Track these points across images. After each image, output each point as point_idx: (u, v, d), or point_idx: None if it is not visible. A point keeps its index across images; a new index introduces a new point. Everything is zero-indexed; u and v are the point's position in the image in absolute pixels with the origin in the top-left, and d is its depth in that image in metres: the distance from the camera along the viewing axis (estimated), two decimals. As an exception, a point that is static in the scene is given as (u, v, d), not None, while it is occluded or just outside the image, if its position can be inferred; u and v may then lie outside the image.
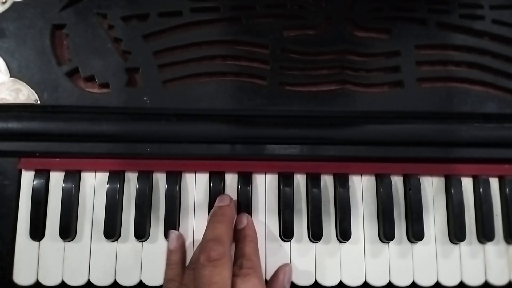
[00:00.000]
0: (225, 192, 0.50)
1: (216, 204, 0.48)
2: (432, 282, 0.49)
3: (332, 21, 0.51)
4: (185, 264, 0.48)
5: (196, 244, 0.49)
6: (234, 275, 0.42)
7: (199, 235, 0.49)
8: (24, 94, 0.49)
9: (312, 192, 0.50)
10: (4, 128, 0.48)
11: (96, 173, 0.50)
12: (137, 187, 0.49)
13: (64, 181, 0.49)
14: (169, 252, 0.48)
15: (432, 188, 0.51)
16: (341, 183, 0.50)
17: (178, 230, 0.49)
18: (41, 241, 0.49)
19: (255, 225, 0.49)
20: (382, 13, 0.52)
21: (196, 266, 0.42)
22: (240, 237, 0.47)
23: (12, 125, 0.48)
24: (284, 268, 0.48)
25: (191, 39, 0.51)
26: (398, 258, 0.50)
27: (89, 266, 0.48)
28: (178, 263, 0.47)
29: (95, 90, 0.50)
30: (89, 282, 0.48)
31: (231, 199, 0.48)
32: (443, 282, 0.49)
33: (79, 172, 0.50)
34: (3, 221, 0.48)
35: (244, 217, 0.48)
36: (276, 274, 0.48)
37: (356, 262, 0.49)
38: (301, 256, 0.49)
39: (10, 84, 0.49)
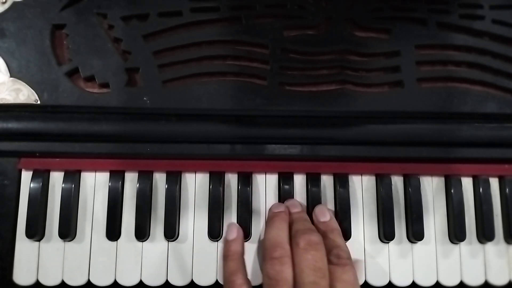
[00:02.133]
0: (225, 192, 0.50)
1: (290, 210, 0.48)
2: (432, 282, 0.49)
3: (332, 21, 0.51)
4: (244, 257, 0.48)
5: (195, 244, 0.49)
6: (331, 263, 0.43)
7: (199, 235, 0.49)
8: (24, 94, 0.49)
9: (312, 192, 0.50)
10: (4, 128, 0.48)
11: (96, 173, 0.50)
12: (137, 187, 0.49)
13: (64, 181, 0.49)
14: (228, 243, 0.47)
15: (432, 188, 0.51)
16: (341, 183, 0.50)
17: (178, 230, 0.49)
18: (41, 241, 0.49)
19: (255, 225, 0.49)
20: (382, 13, 0.52)
21: (297, 253, 0.42)
22: (328, 230, 0.46)
23: (12, 125, 0.48)
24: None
25: (191, 39, 0.51)
26: (398, 258, 0.50)
27: (89, 266, 0.48)
28: (239, 253, 0.47)
29: (95, 90, 0.50)
30: (89, 282, 0.48)
31: (300, 204, 0.49)
32: (443, 282, 0.49)
33: (79, 172, 0.50)
34: (3, 221, 0.48)
35: (326, 211, 0.48)
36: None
37: (356, 262, 0.49)
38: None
39: (10, 84, 0.49)
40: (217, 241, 0.49)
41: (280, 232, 0.45)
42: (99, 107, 0.49)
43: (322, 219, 0.47)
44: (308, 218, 0.48)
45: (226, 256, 0.47)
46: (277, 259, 0.43)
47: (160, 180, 0.50)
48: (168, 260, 0.49)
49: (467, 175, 0.52)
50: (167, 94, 0.49)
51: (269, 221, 0.48)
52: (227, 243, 0.48)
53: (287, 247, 0.44)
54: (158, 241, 0.49)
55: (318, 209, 0.48)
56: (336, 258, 0.43)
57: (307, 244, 0.42)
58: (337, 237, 0.46)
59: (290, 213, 0.48)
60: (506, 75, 0.51)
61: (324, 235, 0.46)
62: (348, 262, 0.43)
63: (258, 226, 0.49)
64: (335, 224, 0.47)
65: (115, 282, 0.48)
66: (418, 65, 0.51)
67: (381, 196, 0.50)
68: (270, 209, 0.49)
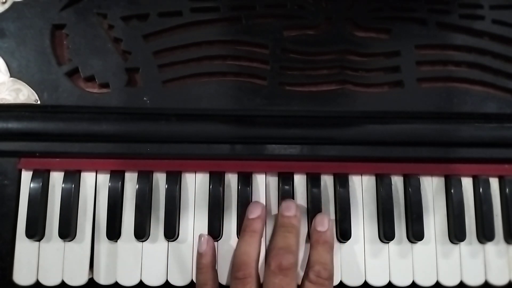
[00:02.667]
0: (225, 192, 0.50)
1: (282, 213, 0.47)
2: (432, 282, 0.49)
3: (332, 21, 0.51)
4: (215, 268, 0.47)
5: (195, 244, 0.49)
6: (309, 281, 0.42)
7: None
8: (24, 94, 0.49)
9: (312, 192, 0.50)
10: (4, 128, 0.48)
11: (96, 173, 0.50)
12: (137, 187, 0.49)
13: (64, 181, 0.49)
14: (199, 256, 0.47)
15: (432, 188, 0.51)
16: (341, 183, 0.50)
17: (178, 230, 0.49)
18: (41, 241, 0.49)
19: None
20: (382, 13, 0.52)
21: (266, 273, 0.42)
22: (320, 241, 0.45)
23: (12, 125, 0.48)
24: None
25: (191, 39, 0.51)
26: (398, 258, 0.50)
27: (89, 266, 0.48)
28: (209, 266, 0.46)
29: (95, 90, 0.50)
30: (89, 282, 0.48)
31: (297, 207, 0.48)
32: (443, 282, 0.49)
33: (79, 172, 0.50)
34: (3, 221, 0.48)
35: (326, 220, 0.46)
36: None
37: (356, 262, 0.49)
38: (301, 256, 0.49)
39: (10, 84, 0.49)
40: (217, 241, 0.49)
41: (248, 249, 0.44)
42: (99, 107, 0.49)
43: (319, 228, 0.46)
44: (297, 226, 0.47)
45: (197, 268, 0.47)
46: (240, 280, 0.42)
47: (160, 180, 0.50)
48: (168, 260, 0.49)
49: (467, 175, 0.52)
50: (167, 94, 0.49)
51: (241, 232, 0.47)
52: (198, 256, 0.47)
53: (253, 265, 0.43)
54: (158, 241, 0.49)
55: (319, 217, 0.47)
56: (315, 276, 0.42)
57: (277, 267, 0.41)
58: (325, 251, 0.45)
59: (281, 216, 0.47)
60: (506, 75, 0.51)
61: (314, 245, 0.45)
62: (327, 284, 0.42)
63: (258, 226, 0.49)
64: (329, 237, 0.46)
65: (115, 282, 0.48)
66: (418, 65, 0.51)
67: (381, 196, 0.50)
68: (246, 211, 0.48)
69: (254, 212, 0.47)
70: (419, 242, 0.50)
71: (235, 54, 0.51)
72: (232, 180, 0.50)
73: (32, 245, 0.49)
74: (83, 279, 0.48)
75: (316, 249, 0.45)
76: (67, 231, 0.48)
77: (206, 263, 0.46)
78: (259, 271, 0.45)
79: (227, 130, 0.49)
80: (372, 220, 0.50)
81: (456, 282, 0.50)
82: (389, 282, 0.49)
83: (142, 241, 0.49)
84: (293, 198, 0.50)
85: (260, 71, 0.50)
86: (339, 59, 0.51)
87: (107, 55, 0.50)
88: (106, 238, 0.48)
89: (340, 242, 0.50)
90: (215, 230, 0.48)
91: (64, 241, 0.49)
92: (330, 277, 0.42)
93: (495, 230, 0.50)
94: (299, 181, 0.51)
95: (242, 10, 0.51)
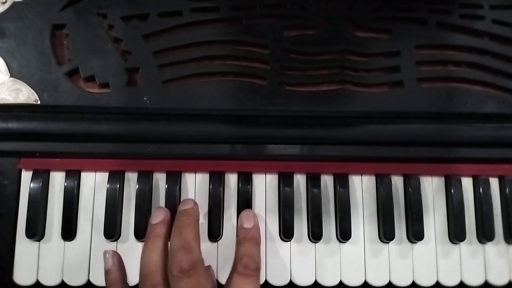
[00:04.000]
0: (225, 192, 0.50)
1: (180, 208, 0.46)
2: (432, 282, 0.49)
3: (332, 21, 0.51)
4: (126, 281, 0.46)
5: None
6: (237, 272, 0.42)
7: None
8: (24, 94, 0.49)
9: (312, 192, 0.50)
10: (4, 128, 0.48)
11: (96, 173, 0.50)
12: (137, 187, 0.49)
13: (64, 181, 0.49)
14: (106, 273, 0.46)
15: (432, 188, 0.51)
16: (341, 183, 0.50)
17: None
18: (41, 241, 0.49)
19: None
20: (382, 13, 0.52)
21: (171, 280, 0.41)
22: (247, 237, 0.46)
23: (12, 125, 0.48)
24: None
25: (191, 39, 0.51)
26: (398, 258, 0.50)
27: (89, 266, 0.48)
28: (117, 281, 0.45)
29: (95, 90, 0.50)
30: (89, 282, 0.48)
31: (195, 202, 0.47)
32: (443, 282, 0.49)
33: (79, 172, 0.50)
34: (3, 221, 0.48)
35: (252, 217, 0.47)
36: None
37: (356, 262, 0.49)
38: (301, 256, 0.49)
39: (10, 84, 0.49)
40: (217, 241, 0.49)
41: (152, 256, 0.43)
42: (99, 107, 0.49)
43: (246, 225, 0.46)
44: (192, 215, 0.45)
45: (106, 286, 0.46)
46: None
47: (160, 180, 0.50)
48: (168, 260, 0.49)
49: (467, 175, 0.52)
50: (167, 94, 0.49)
51: (145, 238, 0.45)
52: (105, 273, 0.46)
53: (160, 273, 0.41)
54: (158, 241, 0.49)
55: (244, 214, 0.47)
56: (243, 268, 0.42)
57: (178, 272, 0.40)
58: (252, 246, 0.45)
59: (179, 210, 0.46)
60: (506, 75, 0.51)
61: (241, 241, 0.45)
62: (254, 274, 0.42)
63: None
64: (256, 233, 0.46)
65: (115, 282, 0.48)
66: (418, 65, 0.51)
67: (381, 196, 0.50)
68: (150, 217, 0.46)
69: (157, 217, 0.46)
70: (419, 242, 0.50)
71: (235, 54, 0.51)
72: (232, 180, 0.50)
73: (32, 245, 0.49)
74: (83, 279, 0.48)
75: (243, 245, 0.45)
76: (67, 231, 0.48)
77: (114, 279, 0.45)
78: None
79: (227, 130, 0.49)
80: (372, 220, 0.50)
81: (456, 282, 0.50)
82: (389, 282, 0.49)
83: (142, 241, 0.49)
84: (293, 198, 0.50)
85: (260, 71, 0.50)
86: (339, 59, 0.51)
87: (107, 55, 0.50)
88: (106, 238, 0.48)
89: (340, 242, 0.50)
90: (215, 230, 0.48)
91: (64, 241, 0.49)
92: (257, 269, 0.43)
93: (495, 230, 0.50)
94: (299, 181, 0.51)
95: (242, 10, 0.51)
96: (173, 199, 0.49)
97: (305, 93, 0.50)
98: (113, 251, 0.47)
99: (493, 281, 0.50)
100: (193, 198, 0.50)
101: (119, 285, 0.45)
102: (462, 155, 0.50)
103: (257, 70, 0.51)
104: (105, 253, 0.47)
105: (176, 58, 0.50)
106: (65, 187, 0.49)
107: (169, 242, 0.44)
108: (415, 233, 0.49)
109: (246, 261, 0.43)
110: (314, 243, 0.50)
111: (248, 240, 0.45)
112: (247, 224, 0.47)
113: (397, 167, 0.51)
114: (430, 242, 0.50)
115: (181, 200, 0.48)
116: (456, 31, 0.52)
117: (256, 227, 0.47)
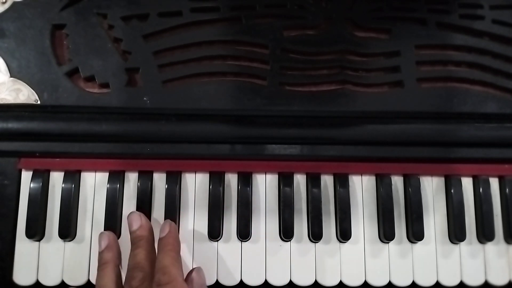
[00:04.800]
0: (225, 192, 0.50)
1: (129, 228, 0.46)
2: (432, 282, 0.49)
3: (332, 21, 0.51)
4: (120, 263, 0.46)
5: (195, 244, 0.49)
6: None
7: (199, 235, 0.49)
8: (24, 94, 0.49)
9: (312, 192, 0.50)
10: (4, 128, 0.48)
11: (96, 173, 0.50)
12: (137, 187, 0.49)
13: (64, 181, 0.49)
14: (100, 253, 0.46)
15: (432, 188, 0.51)
16: (341, 183, 0.50)
17: (178, 230, 0.49)
18: (41, 241, 0.49)
19: (255, 225, 0.49)
20: (382, 13, 0.52)
21: None
22: (160, 247, 0.45)
23: (12, 125, 0.48)
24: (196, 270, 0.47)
25: (191, 39, 0.51)
26: (398, 258, 0.50)
27: (89, 266, 0.48)
28: (111, 260, 0.45)
29: (95, 90, 0.50)
30: (89, 282, 0.48)
31: (141, 217, 0.47)
32: (443, 282, 0.49)
33: (79, 172, 0.50)
34: (3, 221, 0.48)
35: (167, 225, 0.46)
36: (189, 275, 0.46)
37: (356, 262, 0.49)
38: (301, 256, 0.49)
39: (10, 84, 0.49)
40: (217, 241, 0.49)
41: (103, 282, 0.43)
42: (99, 107, 0.49)
43: (161, 235, 0.45)
44: (146, 235, 0.46)
45: (98, 264, 0.46)
46: None
47: (160, 180, 0.50)
48: (168, 260, 0.49)
49: (467, 175, 0.52)
50: (167, 94, 0.49)
51: (97, 267, 0.45)
52: (99, 253, 0.46)
53: None
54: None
55: (162, 226, 0.46)
56: (156, 286, 0.41)
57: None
58: (165, 255, 0.43)
59: (129, 232, 0.46)
60: (506, 75, 0.51)
61: (158, 252, 0.45)
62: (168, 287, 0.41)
63: (258, 226, 0.49)
64: (169, 239, 0.45)
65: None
66: (418, 65, 0.51)
67: (381, 196, 0.50)
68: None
69: (102, 244, 0.46)
70: (419, 242, 0.50)
71: (235, 54, 0.51)
72: (232, 180, 0.50)
73: (32, 245, 0.49)
74: (83, 279, 0.48)
75: (158, 256, 0.44)
76: (67, 231, 0.48)
77: (108, 258, 0.45)
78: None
79: (227, 130, 0.49)
80: (372, 220, 0.50)
81: (456, 282, 0.50)
82: (389, 282, 0.49)
83: (106, 232, 0.48)
84: (293, 198, 0.50)
85: (260, 71, 0.50)
86: (339, 59, 0.51)
87: (107, 55, 0.50)
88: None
89: (340, 242, 0.50)
90: (215, 230, 0.48)
91: (64, 241, 0.49)
92: (170, 281, 0.41)
93: (495, 230, 0.50)
94: (299, 181, 0.51)
95: (242, 10, 0.51)
96: (173, 199, 0.49)
97: (305, 93, 0.50)
98: (109, 231, 0.47)
99: (493, 281, 0.50)
100: (193, 199, 0.50)
101: (112, 264, 0.45)
102: (462, 155, 0.50)
103: (257, 70, 0.51)
104: (101, 234, 0.47)
105: (176, 58, 0.50)
106: (64, 187, 0.49)
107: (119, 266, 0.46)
108: (415, 233, 0.49)
109: (159, 277, 0.41)
110: (314, 243, 0.50)
111: (160, 250, 0.44)
112: (162, 233, 0.45)
113: (397, 167, 0.51)
114: (430, 242, 0.50)
115: (130, 216, 0.47)
116: (456, 31, 0.52)
117: (170, 234, 0.45)
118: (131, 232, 0.46)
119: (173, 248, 0.45)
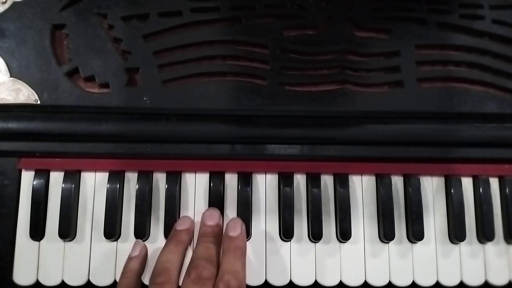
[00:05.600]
0: (225, 192, 0.50)
1: (205, 222, 0.47)
2: (432, 282, 0.49)
3: (332, 21, 0.51)
4: (141, 276, 0.46)
5: (195, 244, 0.49)
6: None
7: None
8: (24, 94, 0.49)
9: (312, 192, 0.50)
10: (4, 128, 0.48)
11: (96, 173, 0.50)
12: (137, 187, 0.49)
13: (64, 181, 0.49)
14: (128, 260, 0.47)
15: (432, 188, 0.51)
16: (341, 183, 0.50)
17: (178, 230, 0.49)
18: (41, 241, 0.49)
19: (255, 225, 0.49)
20: (382, 13, 0.52)
21: (184, 281, 0.41)
22: (231, 247, 0.44)
23: (12, 125, 0.48)
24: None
25: (191, 39, 0.51)
26: (398, 258, 0.50)
27: (89, 266, 0.48)
28: (134, 272, 0.46)
29: (95, 90, 0.50)
30: (89, 282, 0.48)
31: (219, 216, 0.47)
32: (443, 282, 0.49)
33: (79, 172, 0.50)
34: (3, 221, 0.48)
35: (238, 225, 0.46)
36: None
37: (356, 262, 0.49)
38: (301, 256, 0.49)
39: (10, 84, 0.49)
40: (217, 241, 0.49)
41: (171, 257, 0.44)
42: (99, 107, 0.49)
43: (231, 233, 0.45)
44: (219, 235, 0.46)
45: (122, 272, 0.46)
46: (158, 285, 0.41)
47: (160, 180, 0.50)
48: (168, 260, 0.49)
49: (467, 175, 0.52)
50: (167, 94, 0.49)
51: (167, 240, 0.46)
52: (127, 259, 0.47)
53: (174, 273, 0.43)
54: (158, 241, 0.49)
55: (231, 223, 0.46)
56: (224, 286, 0.40)
57: (197, 278, 0.41)
58: (237, 259, 0.43)
59: (203, 225, 0.47)
60: (506, 75, 0.51)
61: (225, 251, 0.44)
62: None
63: (258, 226, 0.49)
64: (241, 242, 0.45)
65: (115, 282, 0.48)
66: (418, 65, 0.51)
67: (381, 196, 0.50)
68: (175, 223, 0.47)
69: (183, 225, 0.47)
70: (419, 242, 0.50)
71: (235, 54, 0.51)
72: (232, 180, 0.50)
73: (32, 245, 0.49)
74: (83, 279, 0.48)
75: (227, 256, 0.43)
76: (67, 231, 0.48)
77: (132, 268, 0.46)
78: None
79: (227, 130, 0.49)
80: (372, 220, 0.50)
81: (456, 282, 0.50)
82: (389, 282, 0.49)
83: (142, 241, 0.49)
84: (293, 198, 0.50)
85: (260, 71, 0.50)
86: (339, 59, 0.51)
87: (107, 55, 0.50)
88: (106, 238, 0.48)
89: (340, 242, 0.50)
90: (215, 230, 0.49)
91: (64, 241, 0.49)
92: (240, 286, 0.41)
93: (495, 230, 0.50)
94: (299, 181, 0.51)
95: (242, 10, 0.51)
96: (173, 199, 0.49)
97: (305, 93, 0.50)
98: (144, 244, 0.48)
99: (493, 281, 0.50)
100: (193, 199, 0.50)
101: (134, 276, 0.45)
102: (462, 155, 0.50)
103: (257, 70, 0.51)
104: (137, 241, 0.47)
105: (176, 58, 0.50)
106: (64, 187, 0.49)
107: (188, 249, 0.46)
108: (415, 233, 0.49)
109: (228, 278, 0.40)
110: (314, 243, 0.50)
111: (233, 249, 0.44)
112: (233, 232, 0.45)
113: (397, 167, 0.51)
114: (430, 242, 0.50)
115: (206, 210, 0.48)
116: (456, 31, 0.52)
117: (242, 235, 0.45)
118: (207, 226, 0.46)
119: (244, 254, 0.45)
